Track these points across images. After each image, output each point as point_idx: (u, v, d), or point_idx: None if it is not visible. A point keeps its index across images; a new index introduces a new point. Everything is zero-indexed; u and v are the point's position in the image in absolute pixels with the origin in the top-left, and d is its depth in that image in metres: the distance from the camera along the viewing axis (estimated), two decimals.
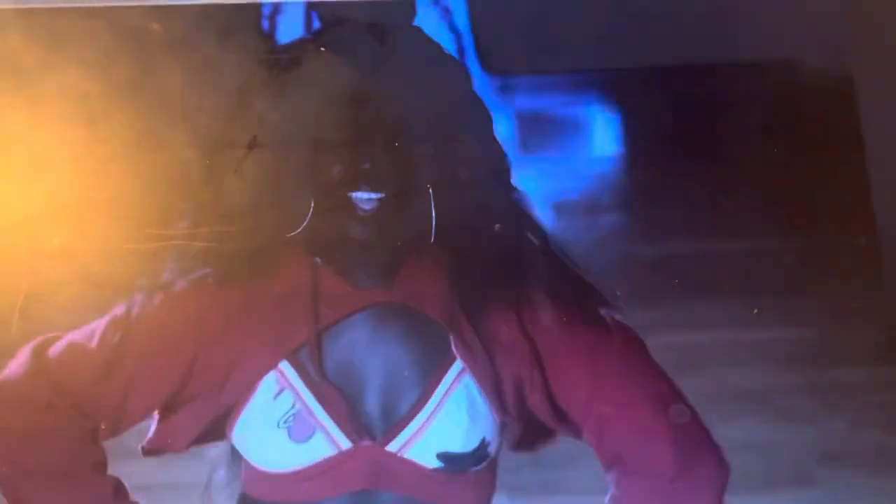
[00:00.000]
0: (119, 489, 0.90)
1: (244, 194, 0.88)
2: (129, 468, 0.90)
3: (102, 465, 0.90)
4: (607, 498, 0.91)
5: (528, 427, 0.93)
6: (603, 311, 0.92)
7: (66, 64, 0.88)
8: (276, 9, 0.93)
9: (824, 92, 0.92)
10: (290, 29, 0.92)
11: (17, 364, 0.89)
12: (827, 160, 0.92)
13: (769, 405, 0.94)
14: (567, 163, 0.95)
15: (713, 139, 0.93)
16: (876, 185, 0.90)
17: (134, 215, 0.89)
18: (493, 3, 0.95)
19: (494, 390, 0.90)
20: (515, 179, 0.91)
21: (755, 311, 0.91)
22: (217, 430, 0.92)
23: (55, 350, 0.89)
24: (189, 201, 0.89)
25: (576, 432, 0.92)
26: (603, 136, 0.95)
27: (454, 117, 0.90)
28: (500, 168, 0.92)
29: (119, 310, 0.90)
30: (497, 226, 0.91)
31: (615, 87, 0.94)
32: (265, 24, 0.92)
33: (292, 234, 0.87)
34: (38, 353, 0.89)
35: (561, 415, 0.92)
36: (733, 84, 0.94)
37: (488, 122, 0.92)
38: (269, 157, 0.88)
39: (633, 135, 0.94)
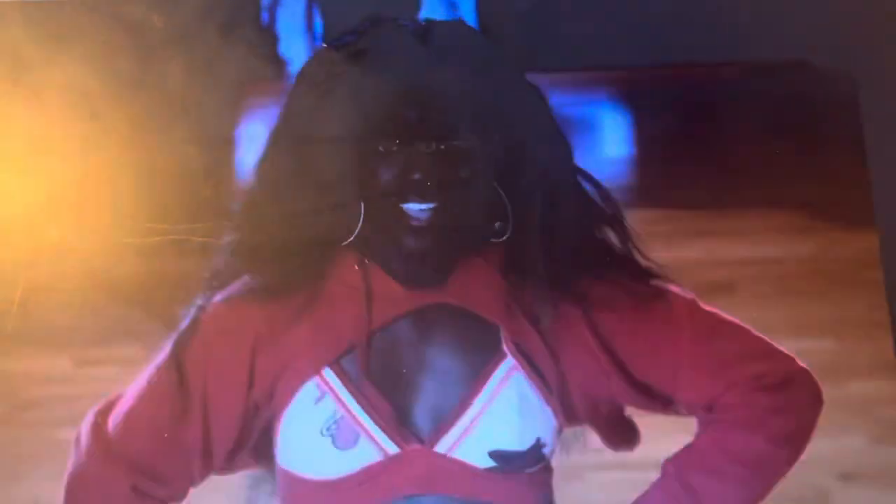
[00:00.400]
0: None
1: (247, 190, 0.87)
2: None
3: None
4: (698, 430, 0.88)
5: (609, 423, 0.90)
6: (658, 283, 0.88)
7: (67, 58, 0.88)
8: (276, 0, 0.91)
9: (833, 93, 0.89)
10: (289, 21, 0.91)
11: (81, 451, 0.86)
12: (831, 163, 0.88)
13: None
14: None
15: (724, 142, 0.90)
16: (878, 188, 0.87)
17: (133, 210, 0.89)
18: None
19: (559, 391, 0.87)
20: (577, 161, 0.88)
21: (753, 315, 0.87)
22: (265, 443, 0.89)
23: (115, 424, 0.85)
24: (190, 196, 0.88)
25: (667, 406, 0.89)
26: (612, 137, 0.92)
27: (508, 112, 0.87)
28: (561, 154, 0.88)
29: (166, 350, 0.86)
30: (497, 224, 0.88)
31: (624, 87, 0.91)
32: (264, 16, 0.91)
33: (345, 242, 0.85)
34: (99, 433, 0.85)
35: (649, 394, 0.88)
36: (743, 85, 0.91)
37: (546, 107, 0.88)
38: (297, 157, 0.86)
39: (643, 137, 0.91)
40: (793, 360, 0.88)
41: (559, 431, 0.88)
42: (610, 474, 0.90)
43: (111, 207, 0.89)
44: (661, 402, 0.89)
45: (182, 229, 0.88)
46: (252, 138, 0.90)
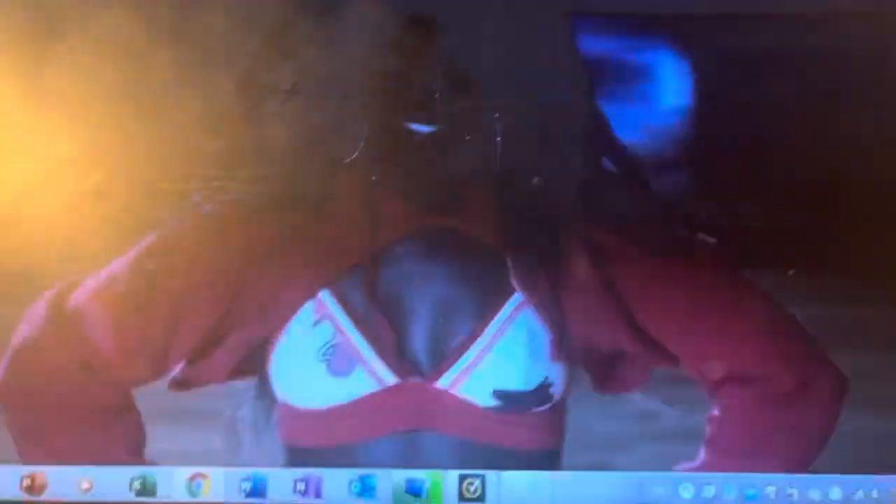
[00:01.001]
0: None
1: (285, 138, 0.85)
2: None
3: (139, 444, 0.86)
4: (710, 416, 0.84)
5: (605, 366, 0.86)
6: (687, 235, 0.84)
7: (105, 5, 0.87)
8: None
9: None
10: None
11: (34, 323, 0.85)
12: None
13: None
14: (629, 113, 0.86)
15: (781, 97, 0.83)
16: None
17: (172, 156, 0.88)
18: None
19: (559, 329, 0.83)
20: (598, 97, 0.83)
21: (790, 272, 0.81)
22: (253, 362, 0.87)
23: (77, 299, 0.85)
24: (228, 143, 0.87)
25: (673, 361, 0.85)
26: (670, 86, 0.86)
27: (525, 37, 0.83)
28: (579, 87, 0.84)
29: (149, 240, 0.85)
30: (535, 179, 0.84)
31: (683, 35, 0.85)
32: None
33: (348, 159, 0.82)
34: (56, 306, 0.85)
35: (653, 346, 0.84)
36: (816, 35, 0.83)
37: (567, 36, 0.84)
38: (315, 98, 0.84)
39: (702, 87, 0.85)
40: (817, 351, 0.83)
41: (567, 372, 0.84)
42: (657, 446, 0.86)
43: (150, 153, 0.88)
44: (667, 359, 0.84)
45: (220, 175, 0.87)
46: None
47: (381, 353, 0.83)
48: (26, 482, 0.87)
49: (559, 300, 0.83)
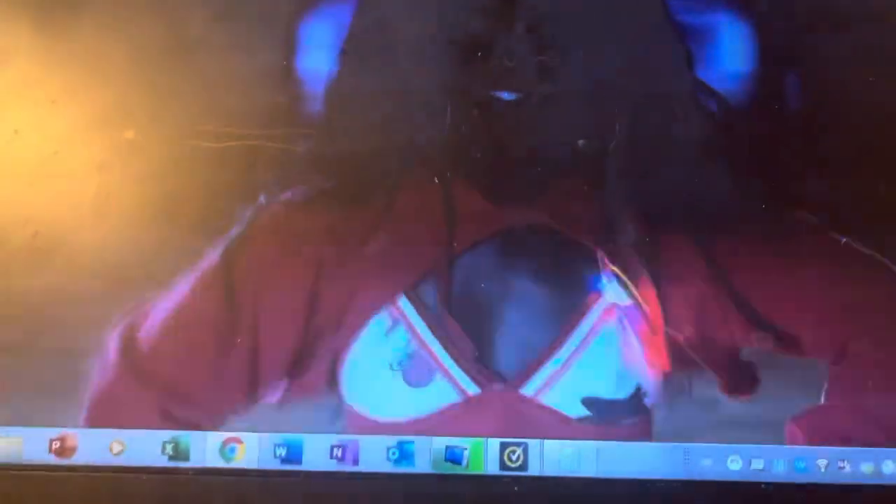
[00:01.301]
0: None
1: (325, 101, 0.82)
2: None
3: None
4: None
5: (727, 365, 0.82)
6: (783, 210, 0.80)
7: None
8: None
9: None
10: None
11: (106, 367, 0.80)
12: None
13: None
14: (724, 87, 0.82)
15: (852, 58, 0.80)
16: None
17: (207, 114, 0.85)
18: None
19: (659, 331, 0.79)
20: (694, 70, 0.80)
21: (843, 241, 0.79)
22: (328, 373, 0.82)
23: (147, 339, 0.79)
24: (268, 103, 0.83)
25: (796, 347, 0.80)
26: (730, 48, 0.83)
27: (614, 9, 0.79)
28: (675, 55, 0.80)
29: (214, 255, 0.79)
30: (580, 141, 0.80)
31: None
32: None
33: (428, 150, 0.78)
34: (128, 348, 0.79)
35: (771, 334, 0.80)
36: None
37: (664, 11, 0.81)
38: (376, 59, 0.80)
39: (763, 48, 0.82)
40: None
41: (663, 379, 0.81)
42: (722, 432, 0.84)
43: (185, 111, 0.85)
44: (785, 343, 0.80)
45: (257, 135, 0.84)
46: (319, 40, 0.84)
47: (461, 360, 0.80)
48: (56, 445, 0.85)
49: (660, 297, 0.79)
